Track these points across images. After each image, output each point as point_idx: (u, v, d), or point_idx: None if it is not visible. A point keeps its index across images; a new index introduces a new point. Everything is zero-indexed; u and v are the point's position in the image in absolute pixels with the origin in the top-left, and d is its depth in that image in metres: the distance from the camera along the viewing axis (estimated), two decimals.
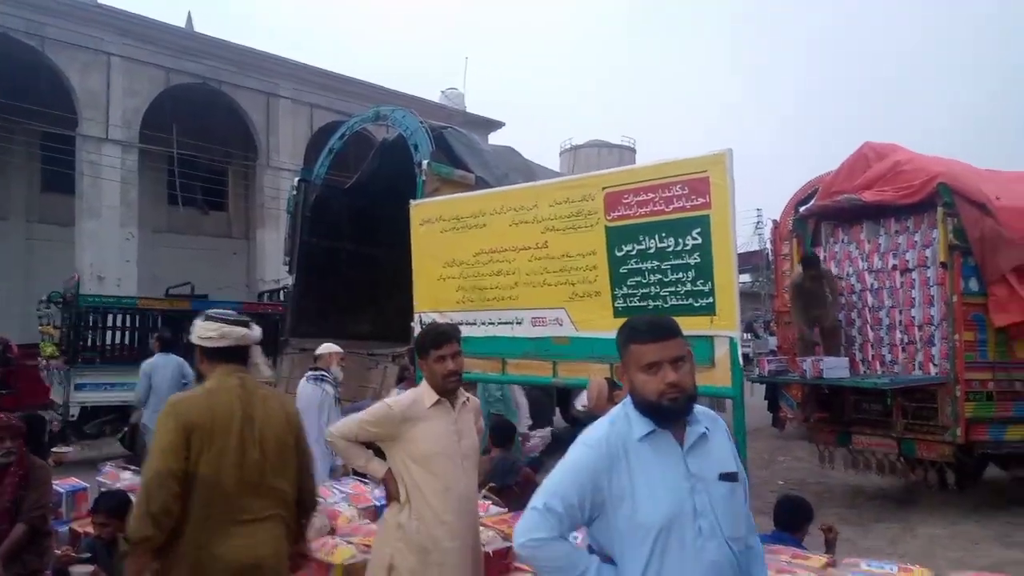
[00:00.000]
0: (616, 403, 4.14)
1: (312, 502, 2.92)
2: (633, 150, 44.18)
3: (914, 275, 7.66)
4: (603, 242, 5.21)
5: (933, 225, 7.31)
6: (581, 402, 6.40)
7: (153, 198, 21.83)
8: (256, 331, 2.83)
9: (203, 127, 21.52)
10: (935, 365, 7.34)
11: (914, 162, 7.70)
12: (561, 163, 42.17)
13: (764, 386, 11.26)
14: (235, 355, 2.72)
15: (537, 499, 1.91)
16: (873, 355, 8.08)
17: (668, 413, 1.90)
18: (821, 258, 8.38)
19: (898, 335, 7.80)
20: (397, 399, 3.13)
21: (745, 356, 16.09)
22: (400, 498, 2.99)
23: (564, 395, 10.55)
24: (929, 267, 7.46)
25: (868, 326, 8.14)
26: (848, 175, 8.21)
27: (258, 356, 2.85)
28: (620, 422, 1.95)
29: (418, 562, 2.90)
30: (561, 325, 5.48)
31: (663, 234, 4.89)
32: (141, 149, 20.09)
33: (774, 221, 12.24)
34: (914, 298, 7.65)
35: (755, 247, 34.69)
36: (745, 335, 20.64)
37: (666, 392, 1.87)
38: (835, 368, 7.51)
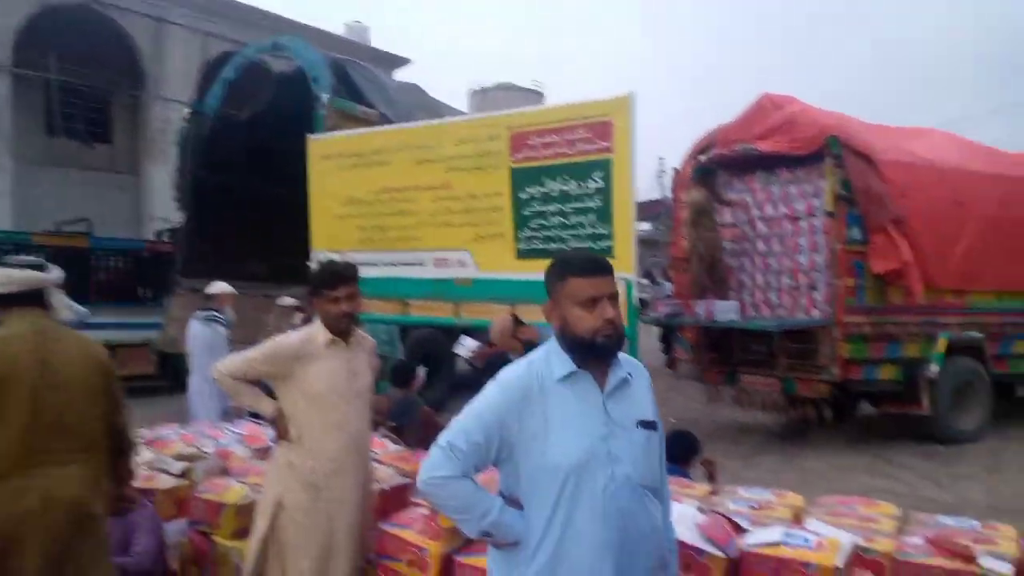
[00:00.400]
0: (521, 339, 4.21)
1: (127, 443, 2.83)
2: (542, 95, 43.95)
3: (802, 223, 8.02)
4: (508, 184, 5.19)
5: (822, 176, 7.64)
6: (466, 348, 6.38)
7: (29, 128, 20.21)
8: (54, 274, 2.76)
9: (86, 53, 19.89)
10: (818, 309, 7.76)
11: (807, 114, 7.98)
12: (470, 106, 41.52)
13: (659, 329, 11.65)
14: (29, 299, 2.63)
15: (442, 437, 1.85)
16: (762, 299, 8.47)
17: (602, 351, 1.84)
18: (716, 206, 8.64)
19: (785, 280, 8.19)
20: (288, 336, 3.04)
21: (643, 301, 16.54)
22: (291, 437, 2.93)
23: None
24: (816, 216, 7.81)
25: (758, 272, 8.50)
26: (746, 125, 8.43)
27: (58, 299, 2.76)
28: (539, 363, 1.88)
29: (308, 500, 2.87)
30: (464, 266, 5.47)
31: (566, 177, 4.91)
32: (15, 74, 18.48)
33: (675, 169, 12.52)
34: (801, 245, 8.02)
35: (657, 195, 35.46)
36: (643, 281, 21.23)
37: (602, 329, 1.81)
38: (726, 311, 7.84)
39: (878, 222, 7.40)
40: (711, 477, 4.15)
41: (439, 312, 5.69)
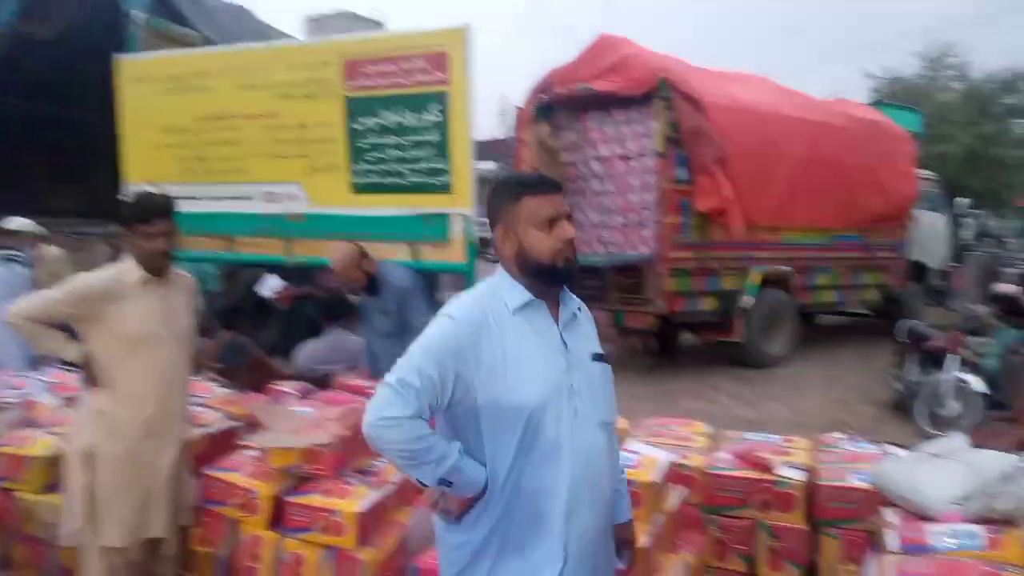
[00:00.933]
0: (365, 271, 4.11)
1: None
2: (382, 24, 42.32)
3: (634, 163, 8.33)
4: (342, 113, 4.97)
5: (653, 117, 7.92)
6: (270, 288, 6.18)
7: None
8: None
9: None
10: (646, 245, 8.15)
11: (640, 56, 8.21)
12: (306, 34, 39.25)
13: None
14: None
15: (390, 375, 1.65)
16: (596, 237, 8.77)
17: (563, 275, 1.73)
18: (559, 145, 8.77)
19: (618, 218, 8.52)
20: (95, 275, 2.78)
21: (487, 240, 16.67)
22: (101, 383, 2.71)
23: None
24: (648, 156, 8.13)
25: (593, 210, 8.78)
26: (584, 65, 8.55)
27: None
28: (488, 295, 1.73)
29: (122, 449, 2.68)
30: (296, 201, 5.23)
31: (403, 108, 4.77)
32: None
33: (518, 108, 12.54)
34: (633, 184, 8.34)
35: (501, 135, 35.52)
36: (487, 220, 21.36)
37: (563, 251, 1.70)
38: None
39: (702, 162, 7.82)
40: None
41: (269, 250, 5.42)
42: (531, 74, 10.02)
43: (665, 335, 9.12)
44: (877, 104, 12.44)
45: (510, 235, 1.73)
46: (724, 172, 7.87)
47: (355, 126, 4.91)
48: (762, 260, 8.55)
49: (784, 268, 8.77)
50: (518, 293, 1.72)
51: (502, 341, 1.66)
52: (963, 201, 12.24)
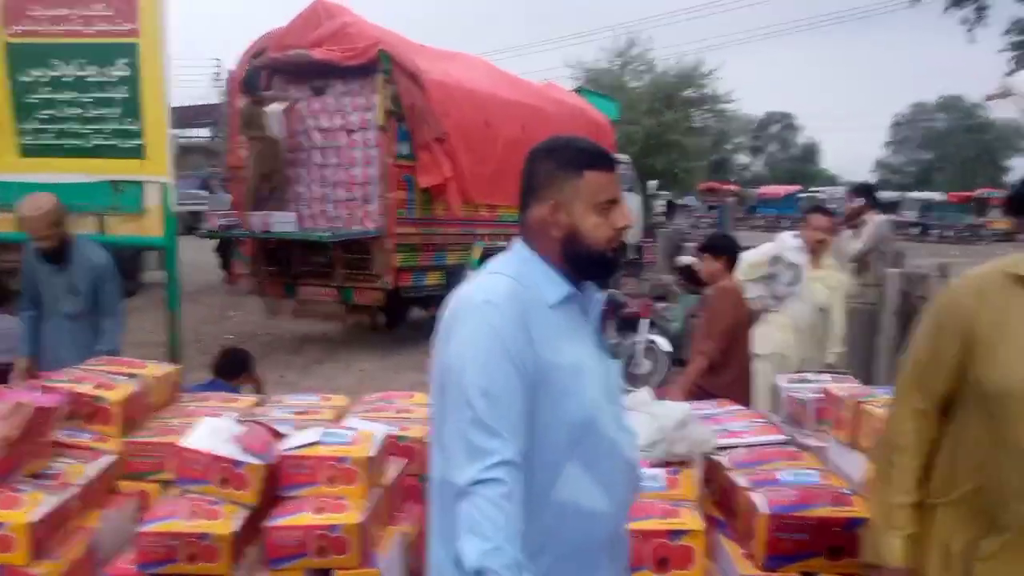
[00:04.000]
0: (60, 235, 3.51)
1: None
2: None
3: (357, 136, 8.17)
4: (1, 63, 4.22)
5: (374, 90, 7.82)
6: None
7: None
8: None
9: None
10: (372, 221, 8.06)
11: (358, 25, 8.04)
12: None
13: (215, 242, 11.02)
14: None
15: (452, 426, 1.29)
16: (320, 211, 8.49)
17: (612, 267, 1.50)
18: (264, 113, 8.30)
19: (342, 193, 8.32)
20: None
21: (198, 213, 15.39)
22: None
23: None
24: (370, 130, 8.02)
25: (316, 183, 8.48)
26: (300, 30, 8.17)
27: None
28: (514, 283, 1.42)
29: None
30: None
31: (84, 60, 4.17)
32: None
33: (230, 72, 11.68)
34: (356, 158, 8.19)
35: (215, 100, 33.04)
36: (201, 192, 19.80)
37: (615, 239, 1.46)
38: (283, 223, 7.70)
39: (423, 139, 7.90)
40: (258, 390, 4.12)
41: None
42: (248, 36, 9.40)
43: (393, 310, 9.13)
44: (581, 91, 13.52)
45: (561, 214, 1.46)
46: (444, 149, 8.03)
47: (21, 78, 4.19)
48: (483, 236, 8.88)
49: (503, 244, 9.17)
50: (556, 284, 1.46)
51: (547, 343, 1.38)
52: (653, 183, 13.84)
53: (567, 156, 1.48)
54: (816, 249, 4.27)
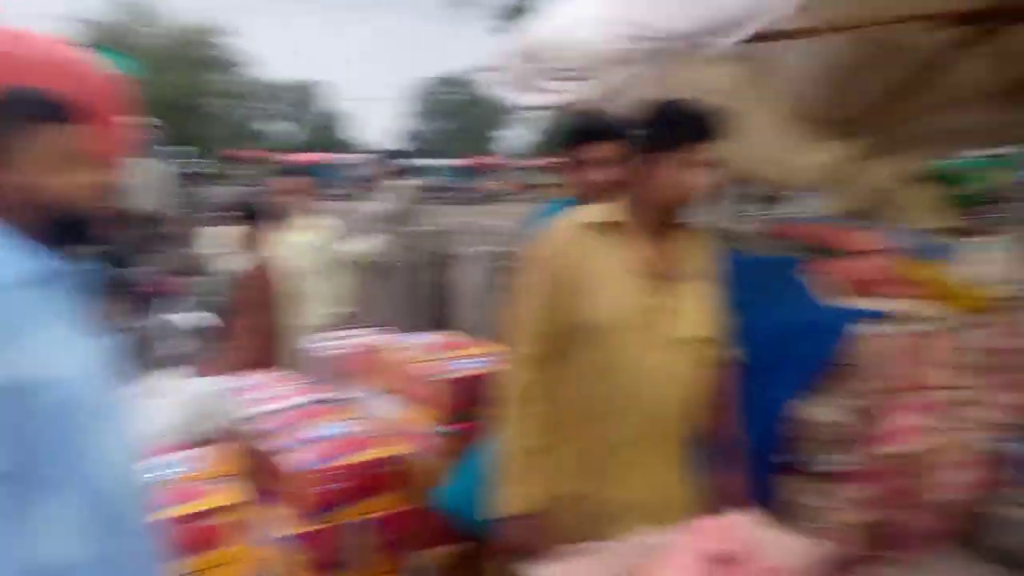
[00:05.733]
0: None
1: None
2: None
3: None
4: None
5: None
6: None
7: None
8: None
9: None
10: None
11: None
12: None
13: None
14: None
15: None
16: None
17: (86, 230, 1.37)
18: None
19: None
20: None
21: None
22: None
23: None
24: None
25: None
26: None
27: None
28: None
29: None
30: None
31: None
32: None
33: None
34: None
35: None
36: None
37: (91, 199, 1.36)
38: None
39: None
40: None
41: None
42: None
43: None
44: (99, 49, 11.83)
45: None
46: None
47: None
48: None
49: None
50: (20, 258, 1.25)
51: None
52: (186, 149, 12.84)
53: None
54: (280, 212, 4.23)
